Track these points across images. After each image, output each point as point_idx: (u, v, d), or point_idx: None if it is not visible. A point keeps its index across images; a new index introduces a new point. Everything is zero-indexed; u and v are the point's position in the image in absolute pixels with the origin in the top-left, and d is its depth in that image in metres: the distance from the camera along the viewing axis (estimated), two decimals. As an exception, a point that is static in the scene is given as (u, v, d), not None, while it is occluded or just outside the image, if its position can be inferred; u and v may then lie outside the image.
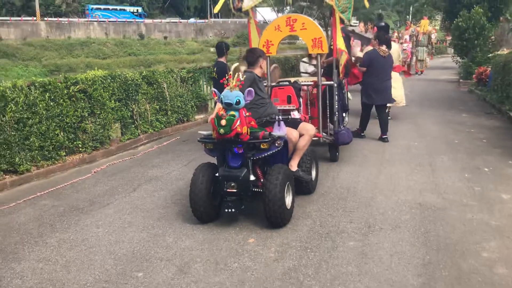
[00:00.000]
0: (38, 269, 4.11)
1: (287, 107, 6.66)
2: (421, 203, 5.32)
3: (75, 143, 8.21)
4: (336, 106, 6.96)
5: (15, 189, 6.85)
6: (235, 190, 4.73)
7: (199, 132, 5.17)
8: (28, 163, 7.28)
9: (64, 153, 7.97)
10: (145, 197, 6.03)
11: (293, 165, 5.41)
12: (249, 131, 4.67)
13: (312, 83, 6.94)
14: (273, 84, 6.96)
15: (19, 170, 7.12)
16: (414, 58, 22.80)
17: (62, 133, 7.96)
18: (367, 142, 8.63)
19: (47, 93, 7.72)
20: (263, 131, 4.82)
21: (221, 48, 8.85)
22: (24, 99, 7.27)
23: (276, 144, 4.77)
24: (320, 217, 5.02)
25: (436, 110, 12.32)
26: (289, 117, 5.06)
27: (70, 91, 8.12)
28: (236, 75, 4.67)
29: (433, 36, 23.54)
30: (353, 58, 8.73)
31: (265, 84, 7.09)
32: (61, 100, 7.93)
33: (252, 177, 4.74)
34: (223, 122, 4.49)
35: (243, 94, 4.63)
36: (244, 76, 5.28)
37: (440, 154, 7.56)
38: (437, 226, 4.71)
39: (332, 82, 6.92)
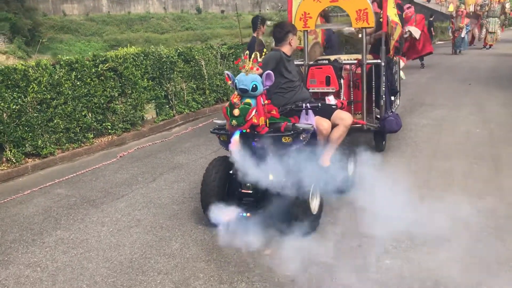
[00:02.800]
0: (23, 277, 3.66)
1: (325, 89, 5.84)
2: (479, 210, 4.38)
3: (103, 124, 7.80)
4: (384, 89, 6.04)
5: (36, 173, 6.54)
6: (250, 191, 4.04)
7: (213, 121, 4.50)
8: (52, 146, 6.94)
9: (92, 136, 7.59)
10: (163, 188, 5.48)
11: (325, 161, 4.63)
12: (268, 122, 3.93)
13: (355, 61, 6.04)
14: (311, 63, 6.11)
15: (42, 153, 6.80)
16: (484, 30, 20.80)
17: (89, 114, 7.57)
18: (421, 128, 7.60)
19: (74, 72, 7.31)
20: (286, 122, 4.07)
21: (255, 22, 8.08)
22: (48, 78, 6.88)
23: (301, 138, 4.01)
24: (352, 225, 4.24)
25: (504, 90, 10.86)
26: (319, 104, 4.26)
27: (99, 69, 7.67)
28: (253, 55, 3.92)
29: (507, 6, 21.33)
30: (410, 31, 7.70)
31: (301, 62, 6.29)
32: (89, 79, 7.51)
33: (271, 177, 4.02)
34: (236, 111, 3.79)
35: (262, 78, 3.89)
36: (267, 55, 4.54)
37: (507, 146, 6.44)
38: (499, 241, 3.81)
39: (379, 61, 5.98)
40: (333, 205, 4.59)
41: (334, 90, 5.78)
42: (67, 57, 7.41)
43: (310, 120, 4.29)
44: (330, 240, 3.96)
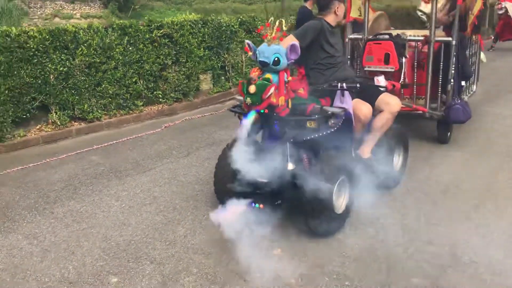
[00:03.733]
0: (16, 249, 3.48)
1: (382, 68, 5.11)
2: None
3: (154, 93, 7.59)
4: (453, 71, 5.18)
5: (80, 138, 6.48)
6: (265, 181, 3.53)
7: (235, 97, 4.01)
8: (99, 111, 6.84)
9: (141, 103, 7.41)
10: (192, 165, 5.13)
11: (365, 151, 4.00)
12: (289, 102, 3.37)
13: (422, 38, 5.22)
14: (370, 37, 5.38)
15: (88, 118, 6.72)
16: None
17: (140, 81, 7.37)
18: (501, 120, 6.57)
19: (126, 37, 7.11)
20: (314, 104, 3.49)
21: (306, -10, 7.33)
22: (99, 41, 6.73)
23: (330, 124, 3.42)
24: (387, 228, 3.61)
25: None
26: (358, 84, 3.60)
27: (153, 35, 7.41)
28: (277, 22, 3.35)
29: None
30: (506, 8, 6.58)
31: (360, 36, 5.57)
32: (142, 45, 7.29)
33: (290, 166, 3.47)
34: (252, 88, 3.27)
35: (286, 50, 3.32)
36: (306, 24, 3.94)
37: None
38: None
39: (449, 39, 5.12)
40: (371, 200, 3.96)
41: (393, 70, 5.04)
42: (121, 21, 7.22)
43: (346, 103, 3.65)
44: (353, 247, 3.37)
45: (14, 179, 4.87)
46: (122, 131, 6.74)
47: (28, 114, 6.17)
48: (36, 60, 6.12)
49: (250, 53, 3.45)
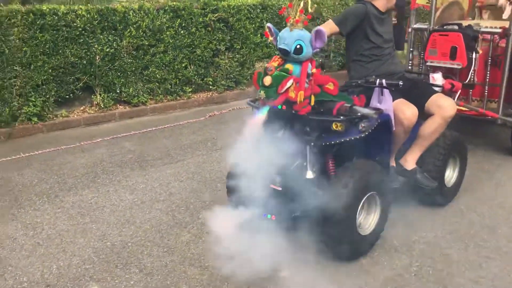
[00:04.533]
0: (10, 239, 3.27)
1: (447, 64, 4.38)
2: None
3: (205, 79, 7.26)
4: (535, 72, 4.33)
5: (122, 121, 6.31)
6: (280, 189, 3.03)
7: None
8: (145, 96, 6.63)
9: (190, 90, 7.11)
10: (223, 160, 4.71)
11: (409, 161, 3.35)
12: (313, 99, 2.82)
13: (500, 30, 4.40)
14: (435, 27, 4.64)
15: (132, 101, 6.53)
16: None
17: (190, 67, 7.07)
18: None
19: (178, 19, 6.82)
20: (343, 102, 2.91)
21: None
22: (149, 23, 6.49)
23: (360, 127, 2.83)
24: (424, 257, 2.98)
25: None
26: (400, 82, 2.95)
27: (207, 19, 7.07)
28: (301, 3, 2.80)
29: None
30: None
31: (425, 26, 4.85)
32: (194, 28, 6.97)
33: (309, 174, 2.94)
34: (267, 80, 2.76)
35: (311, 36, 2.78)
36: (348, 9, 3.36)
37: None
38: None
39: (533, 32, 4.27)
40: (414, 218, 3.34)
41: (459, 67, 4.31)
42: (173, 3, 6.93)
43: (385, 104, 3.04)
44: (378, 277, 2.79)
45: (42, 160, 4.74)
46: (166, 118, 6.48)
47: (71, 95, 6.07)
48: (82, 40, 5.98)
49: (270, 39, 2.94)
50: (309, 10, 2.79)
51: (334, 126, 2.84)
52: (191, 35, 6.95)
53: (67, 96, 6.03)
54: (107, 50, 6.18)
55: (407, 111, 3.10)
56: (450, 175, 3.67)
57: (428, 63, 4.52)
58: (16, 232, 3.35)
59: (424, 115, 3.31)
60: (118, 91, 6.42)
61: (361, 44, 3.39)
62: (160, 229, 3.37)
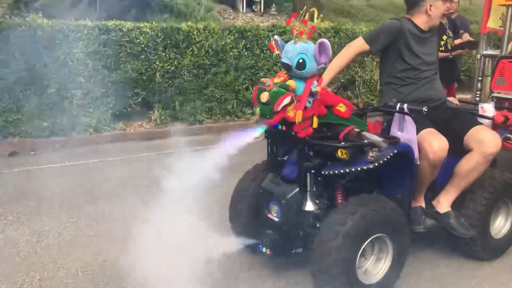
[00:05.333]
0: (11, 245, 3.24)
1: (516, 96, 3.77)
2: None
3: (266, 102, 7.04)
4: None
5: (177, 139, 6.27)
6: (276, 219, 2.69)
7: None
8: (203, 115, 6.58)
9: (250, 111, 6.95)
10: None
11: (442, 202, 2.84)
12: (316, 121, 2.47)
13: None
14: (506, 54, 4.03)
15: (189, 119, 6.51)
16: None
17: (252, 88, 6.92)
18: None
19: (243, 41, 6.74)
20: (352, 127, 2.53)
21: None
22: (212, 43, 6.48)
23: (369, 157, 2.42)
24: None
25: None
26: (425, 108, 2.48)
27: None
28: (306, 14, 2.48)
29: None
30: None
31: (495, 53, 4.25)
32: (258, 50, 6.85)
33: (310, 206, 2.57)
34: (264, 96, 2.48)
35: (315, 49, 2.45)
36: (382, 25, 3.00)
37: None
38: None
39: None
40: (440, 273, 2.80)
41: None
42: (240, 24, 6.88)
43: (406, 132, 2.59)
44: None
45: (82, 170, 4.81)
46: (222, 138, 6.34)
47: (129, 109, 6.19)
48: (143, 56, 6.10)
49: (276, 52, 2.65)
50: (315, 20, 2.48)
51: (339, 153, 2.46)
52: (254, 56, 6.83)
53: (124, 110, 6.15)
54: (168, 67, 6.23)
55: (434, 143, 2.61)
56: (501, 225, 3.06)
57: (494, 94, 3.91)
58: (21, 237, 3.33)
59: (463, 151, 2.79)
60: (176, 108, 6.42)
61: (394, 65, 2.98)
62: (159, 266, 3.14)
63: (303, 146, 2.52)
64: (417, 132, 2.68)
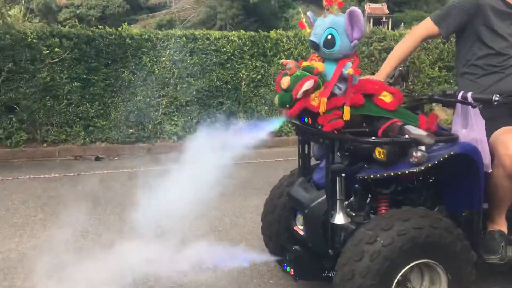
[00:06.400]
0: (16, 252, 3.05)
1: None
2: None
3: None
4: None
5: (259, 150, 6.00)
6: (302, 233, 2.22)
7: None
8: (288, 126, 6.23)
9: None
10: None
11: (496, 221, 2.15)
12: (347, 111, 1.97)
13: None
14: None
15: (274, 130, 6.20)
16: None
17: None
18: None
19: (337, 48, 6.29)
20: (397, 121, 1.98)
21: None
22: (302, 50, 6.15)
23: (412, 159, 1.85)
24: None
25: None
26: (495, 98, 1.82)
27: (372, 48, 6.38)
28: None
29: None
30: None
31: None
32: (353, 58, 6.33)
33: (340, 219, 2.05)
34: (284, 81, 2.06)
35: (345, 21, 1.97)
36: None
37: None
38: None
39: None
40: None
41: None
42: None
43: (471, 130, 1.96)
44: None
45: (147, 177, 4.72)
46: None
47: (213, 118, 6.07)
48: (229, 65, 5.98)
49: (308, 31, 2.20)
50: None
51: (377, 153, 1.94)
52: (349, 64, 6.32)
53: (209, 119, 6.04)
54: (254, 76, 6.02)
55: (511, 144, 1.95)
56: None
57: None
58: (30, 246, 3.13)
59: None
60: (262, 118, 6.16)
61: (472, 50, 2.36)
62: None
63: (330, 143, 2.03)
64: (493, 132, 2.04)
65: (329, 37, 1.99)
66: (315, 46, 2.05)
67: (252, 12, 18.57)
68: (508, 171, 1.96)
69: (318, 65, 2.04)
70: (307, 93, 1.97)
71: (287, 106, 2.05)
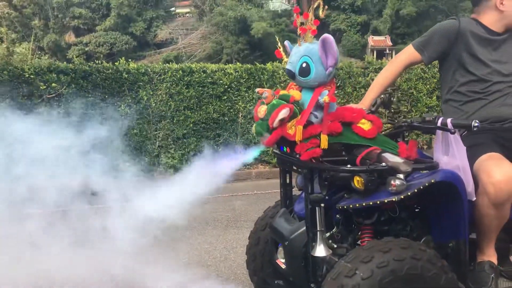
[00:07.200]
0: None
1: None
2: None
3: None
4: None
5: (257, 182, 5.98)
6: (283, 266, 2.14)
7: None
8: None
9: (342, 155, 6.36)
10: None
11: (485, 251, 2.06)
12: (324, 140, 1.93)
13: None
14: None
15: (272, 162, 6.19)
16: None
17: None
18: None
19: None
20: (375, 149, 1.93)
21: None
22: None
23: (391, 188, 1.79)
24: None
25: None
26: (474, 124, 1.78)
27: (368, 78, 6.38)
28: (310, 7, 2.00)
29: None
30: None
31: None
32: (350, 88, 6.35)
33: (321, 251, 1.96)
34: (261, 110, 2.03)
35: (319, 49, 1.95)
36: (435, 26, 2.41)
37: None
38: None
39: None
40: None
41: None
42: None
43: (453, 156, 1.90)
44: None
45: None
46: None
47: (211, 150, 6.03)
48: (226, 97, 5.99)
49: (285, 59, 2.18)
50: (320, 14, 1.99)
51: (355, 182, 1.88)
52: (347, 95, 6.32)
53: (206, 151, 6.00)
54: (251, 107, 6.01)
55: (495, 170, 1.88)
56: None
57: None
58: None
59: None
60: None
61: (455, 76, 2.32)
62: None
63: (308, 172, 1.97)
64: (476, 159, 1.98)
65: (304, 65, 1.96)
66: (290, 74, 2.02)
67: (257, 47, 18.80)
68: (492, 200, 1.88)
69: (295, 93, 2.00)
70: (283, 121, 1.92)
71: (265, 135, 2.00)
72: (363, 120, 2.01)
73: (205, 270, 3.18)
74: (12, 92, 5.36)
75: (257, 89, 2.05)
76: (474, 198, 1.92)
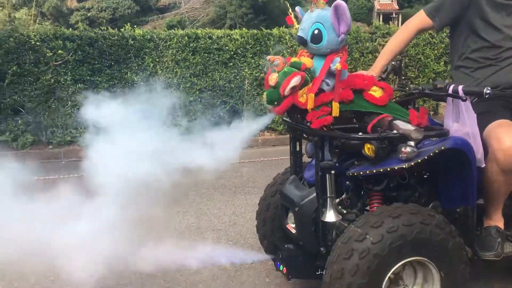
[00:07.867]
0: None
1: None
2: None
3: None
4: None
5: (263, 149, 6.01)
6: (293, 231, 2.19)
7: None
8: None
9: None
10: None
11: (492, 216, 2.10)
12: (336, 107, 1.94)
13: None
14: None
15: (278, 129, 6.22)
16: None
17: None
18: None
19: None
20: (386, 116, 1.94)
21: None
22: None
23: (401, 155, 1.82)
24: None
25: None
26: (486, 90, 1.79)
27: (376, 43, 6.31)
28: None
29: None
30: None
31: None
32: (358, 54, 6.31)
33: (331, 216, 2.01)
34: (272, 78, 2.03)
35: (331, 15, 1.94)
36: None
37: None
38: None
39: None
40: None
41: None
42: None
43: (463, 124, 1.92)
44: None
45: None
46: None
47: (217, 117, 6.05)
48: (232, 64, 5.95)
49: (296, 26, 2.17)
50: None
51: (366, 149, 1.91)
52: (354, 61, 6.27)
53: (212, 119, 6.02)
54: (257, 74, 5.99)
55: (505, 137, 1.90)
56: None
57: None
58: None
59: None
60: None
61: (467, 42, 2.31)
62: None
63: (319, 140, 2.00)
64: (486, 125, 2.00)
65: (316, 32, 1.96)
66: (302, 41, 2.02)
67: (261, 11, 18.49)
68: (501, 166, 1.91)
69: (306, 60, 2.01)
70: (294, 89, 1.94)
71: (276, 103, 2.01)
72: (374, 88, 2.02)
73: (215, 234, 3.24)
74: (19, 59, 5.35)
75: (268, 57, 2.05)
76: (484, 165, 1.94)
